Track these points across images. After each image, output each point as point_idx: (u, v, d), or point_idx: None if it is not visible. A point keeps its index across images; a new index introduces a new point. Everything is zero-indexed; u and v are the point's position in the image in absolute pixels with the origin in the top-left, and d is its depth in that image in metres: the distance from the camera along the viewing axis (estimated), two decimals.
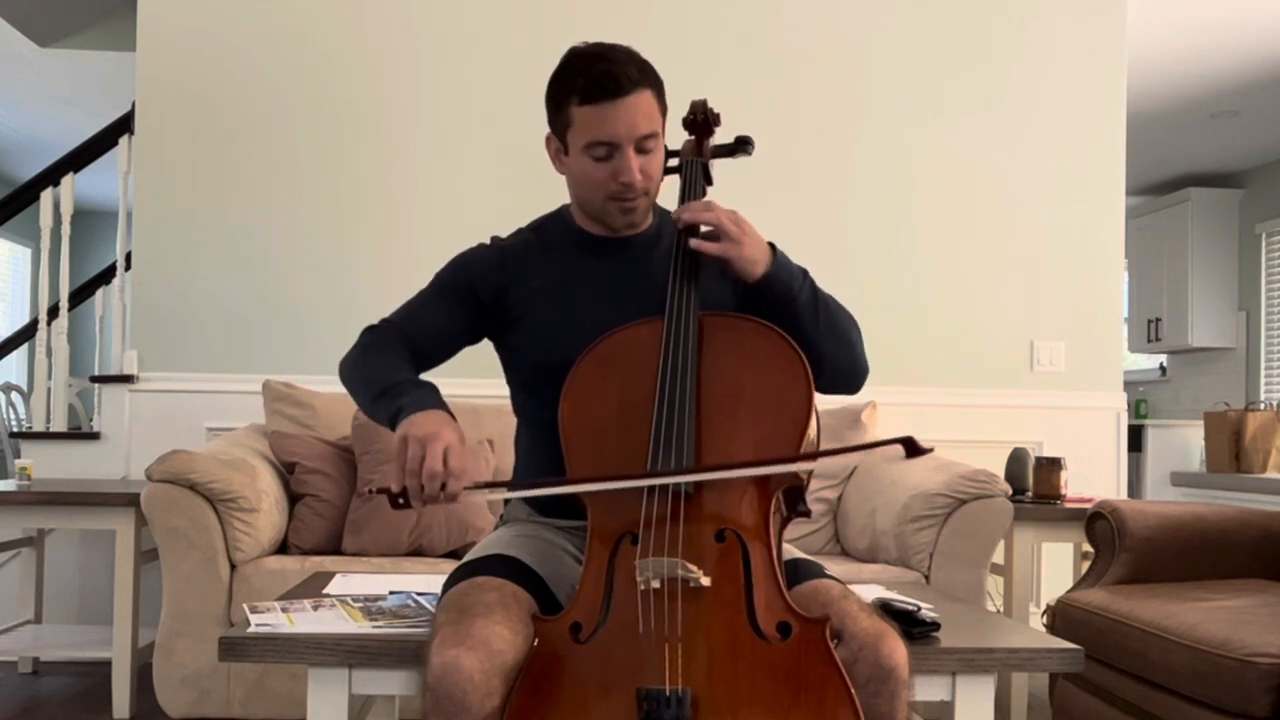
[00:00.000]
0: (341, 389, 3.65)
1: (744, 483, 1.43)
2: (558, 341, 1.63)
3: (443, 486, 1.41)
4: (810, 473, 1.50)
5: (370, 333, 1.72)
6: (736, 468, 1.41)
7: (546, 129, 1.67)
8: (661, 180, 1.68)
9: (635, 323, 1.57)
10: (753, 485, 1.43)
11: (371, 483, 3.09)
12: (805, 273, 1.64)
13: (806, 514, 1.49)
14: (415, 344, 1.70)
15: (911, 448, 1.36)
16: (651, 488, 1.40)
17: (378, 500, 2.99)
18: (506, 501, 1.81)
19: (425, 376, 1.67)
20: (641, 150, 1.59)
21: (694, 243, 1.57)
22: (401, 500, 1.43)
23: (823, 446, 1.51)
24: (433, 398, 1.53)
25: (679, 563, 1.32)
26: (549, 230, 1.76)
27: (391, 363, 1.63)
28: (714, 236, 1.57)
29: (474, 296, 1.71)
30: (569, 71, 1.59)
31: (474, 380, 3.47)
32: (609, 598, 1.36)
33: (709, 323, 1.55)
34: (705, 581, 1.33)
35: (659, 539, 1.36)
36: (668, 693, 1.26)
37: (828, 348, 1.58)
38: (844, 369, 1.65)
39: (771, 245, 1.60)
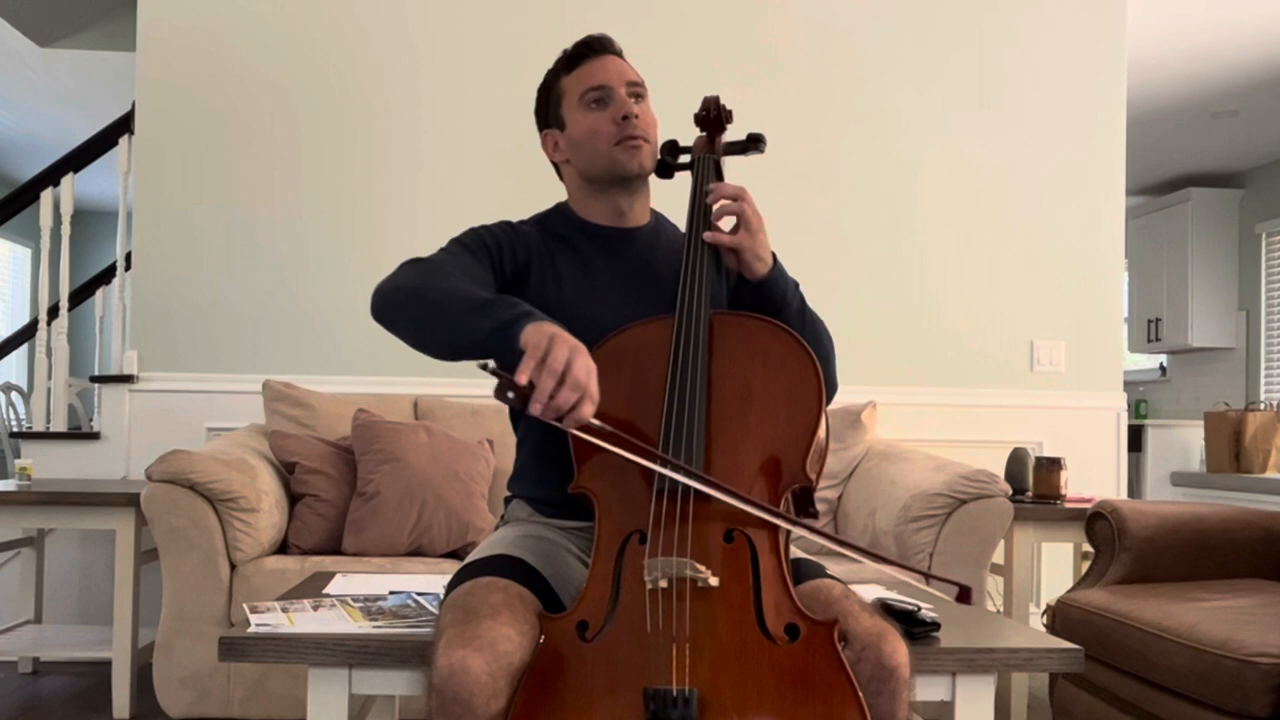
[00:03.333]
0: (341, 389, 3.65)
1: (754, 483, 1.43)
2: (570, 330, 1.63)
3: (574, 405, 1.29)
4: (819, 474, 1.50)
5: (422, 262, 1.57)
6: (758, 507, 1.37)
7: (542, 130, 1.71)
8: (659, 138, 1.72)
9: (646, 320, 1.56)
10: (763, 485, 1.43)
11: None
12: (797, 285, 1.67)
13: (814, 516, 1.49)
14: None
15: (964, 596, 1.33)
16: (660, 489, 1.40)
17: (378, 500, 2.99)
18: (508, 501, 1.81)
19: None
20: (633, 96, 1.68)
21: (708, 235, 1.59)
22: (514, 395, 1.28)
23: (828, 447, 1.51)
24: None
25: (688, 562, 1.32)
26: (552, 223, 1.77)
27: (476, 287, 1.49)
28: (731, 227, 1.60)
29: (500, 265, 1.68)
30: (555, 64, 1.74)
31: (474, 380, 3.48)
32: (616, 596, 1.36)
33: (720, 321, 1.55)
34: (714, 581, 1.33)
35: (668, 538, 1.36)
36: (674, 693, 1.26)
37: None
38: None
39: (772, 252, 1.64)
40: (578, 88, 1.68)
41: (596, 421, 1.34)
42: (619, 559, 1.39)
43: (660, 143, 1.73)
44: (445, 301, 1.45)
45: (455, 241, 1.69)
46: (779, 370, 1.50)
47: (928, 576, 1.36)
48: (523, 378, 1.28)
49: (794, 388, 1.49)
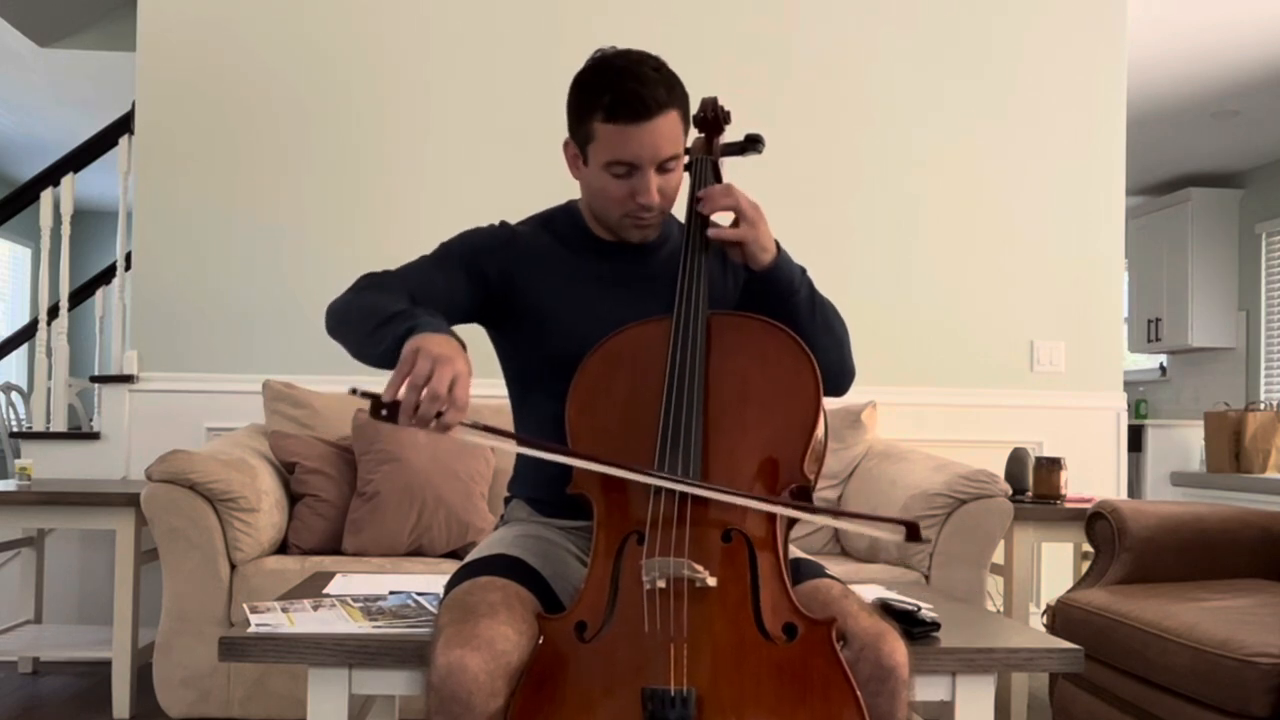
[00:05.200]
0: (341, 389, 3.65)
1: (752, 483, 1.44)
2: (568, 336, 1.63)
3: (438, 414, 1.31)
4: (818, 473, 1.50)
5: (370, 276, 1.64)
6: (744, 497, 1.39)
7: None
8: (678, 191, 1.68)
9: (643, 321, 1.57)
10: (761, 484, 1.44)
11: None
12: (804, 270, 1.66)
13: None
14: (417, 302, 1.59)
15: (913, 533, 1.36)
16: (656, 489, 1.40)
17: (378, 500, 2.99)
18: (507, 501, 1.81)
19: None
20: (662, 170, 1.58)
21: (712, 231, 1.58)
22: (386, 412, 1.31)
23: (828, 446, 1.51)
24: (448, 328, 1.44)
25: (685, 563, 1.32)
26: (558, 225, 1.75)
27: (397, 299, 1.54)
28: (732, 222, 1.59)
29: (480, 271, 1.68)
30: (596, 85, 1.56)
31: (473, 380, 3.48)
32: (614, 597, 1.36)
33: (718, 322, 1.55)
34: (711, 582, 1.33)
35: (665, 539, 1.36)
36: (672, 693, 1.26)
37: (820, 345, 1.58)
38: (833, 369, 1.64)
39: (775, 240, 1.63)
40: (607, 150, 1.55)
41: (469, 424, 1.35)
42: (617, 560, 1.39)
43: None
44: (365, 319, 1.51)
45: (440, 247, 1.71)
46: (776, 369, 1.50)
47: (874, 520, 1.41)
48: (388, 394, 1.32)
49: (792, 387, 1.49)
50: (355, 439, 3.14)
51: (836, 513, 1.39)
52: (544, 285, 1.69)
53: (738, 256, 1.61)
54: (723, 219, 1.62)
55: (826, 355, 1.59)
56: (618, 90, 1.53)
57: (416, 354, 1.33)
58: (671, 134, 1.56)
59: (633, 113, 1.52)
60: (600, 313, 1.63)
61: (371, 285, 1.61)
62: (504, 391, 1.80)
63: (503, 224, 1.76)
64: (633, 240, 1.68)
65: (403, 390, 1.32)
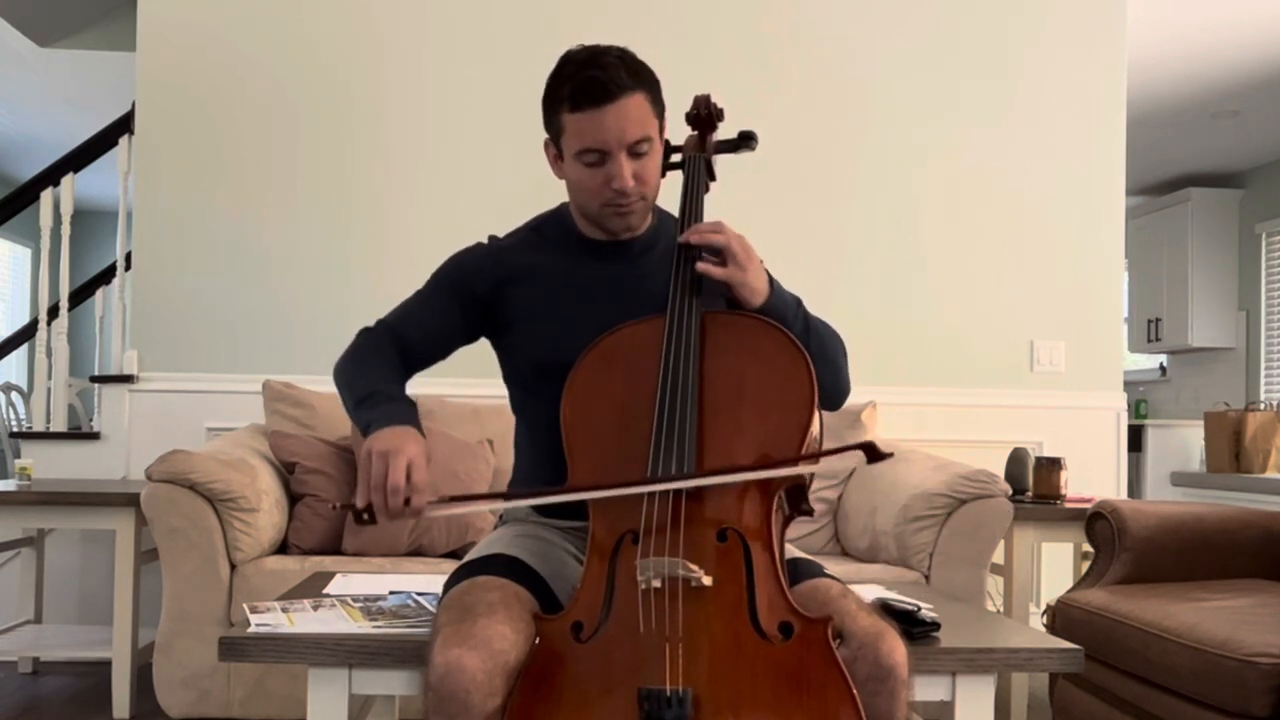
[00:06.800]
0: None
1: (746, 483, 1.43)
2: (560, 341, 1.63)
3: (406, 502, 1.42)
4: (814, 472, 1.50)
5: (364, 335, 1.73)
6: (730, 472, 1.40)
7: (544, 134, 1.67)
8: (660, 181, 1.67)
9: (637, 320, 1.56)
10: (755, 485, 1.43)
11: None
12: (799, 302, 1.63)
13: (809, 513, 1.49)
14: (410, 346, 1.70)
15: (872, 453, 1.39)
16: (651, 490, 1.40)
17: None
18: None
19: (426, 373, 1.68)
20: (635, 154, 1.57)
21: (701, 266, 1.54)
22: (366, 516, 1.43)
23: (824, 446, 1.51)
24: (403, 412, 1.54)
25: (680, 562, 1.32)
26: (548, 230, 1.76)
27: (377, 368, 1.64)
28: (720, 259, 1.55)
29: (470, 294, 1.71)
30: (559, 78, 1.58)
31: (474, 380, 3.48)
32: (610, 597, 1.36)
33: (711, 320, 1.55)
34: (706, 581, 1.33)
35: (660, 539, 1.36)
36: (668, 692, 1.26)
37: (815, 371, 1.56)
38: (828, 390, 1.63)
39: (768, 274, 1.59)
40: (576, 139, 1.56)
41: (437, 500, 1.47)
42: (613, 560, 1.39)
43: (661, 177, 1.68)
44: (350, 394, 1.63)
45: (432, 278, 1.76)
46: (771, 367, 1.50)
47: (826, 454, 1.43)
48: (360, 501, 1.45)
49: (786, 385, 1.48)
50: (355, 439, 3.14)
51: (797, 459, 1.41)
52: (535, 293, 1.69)
53: (730, 296, 1.57)
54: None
55: (820, 381, 1.57)
56: (578, 79, 1.55)
57: (370, 457, 1.44)
58: (638, 116, 1.56)
59: (594, 98, 1.53)
60: (593, 314, 1.63)
61: (360, 350, 1.70)
62: (503, 392, 1.80)
63: (490, 239, 1.77)
64: (617, 231, 1.67)
65: (370, 494, 1.43)
